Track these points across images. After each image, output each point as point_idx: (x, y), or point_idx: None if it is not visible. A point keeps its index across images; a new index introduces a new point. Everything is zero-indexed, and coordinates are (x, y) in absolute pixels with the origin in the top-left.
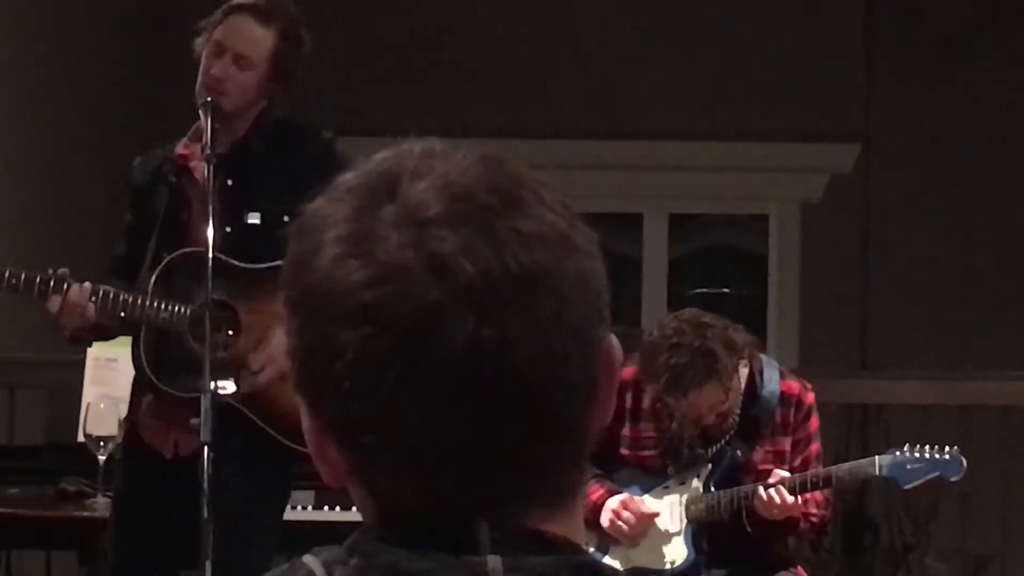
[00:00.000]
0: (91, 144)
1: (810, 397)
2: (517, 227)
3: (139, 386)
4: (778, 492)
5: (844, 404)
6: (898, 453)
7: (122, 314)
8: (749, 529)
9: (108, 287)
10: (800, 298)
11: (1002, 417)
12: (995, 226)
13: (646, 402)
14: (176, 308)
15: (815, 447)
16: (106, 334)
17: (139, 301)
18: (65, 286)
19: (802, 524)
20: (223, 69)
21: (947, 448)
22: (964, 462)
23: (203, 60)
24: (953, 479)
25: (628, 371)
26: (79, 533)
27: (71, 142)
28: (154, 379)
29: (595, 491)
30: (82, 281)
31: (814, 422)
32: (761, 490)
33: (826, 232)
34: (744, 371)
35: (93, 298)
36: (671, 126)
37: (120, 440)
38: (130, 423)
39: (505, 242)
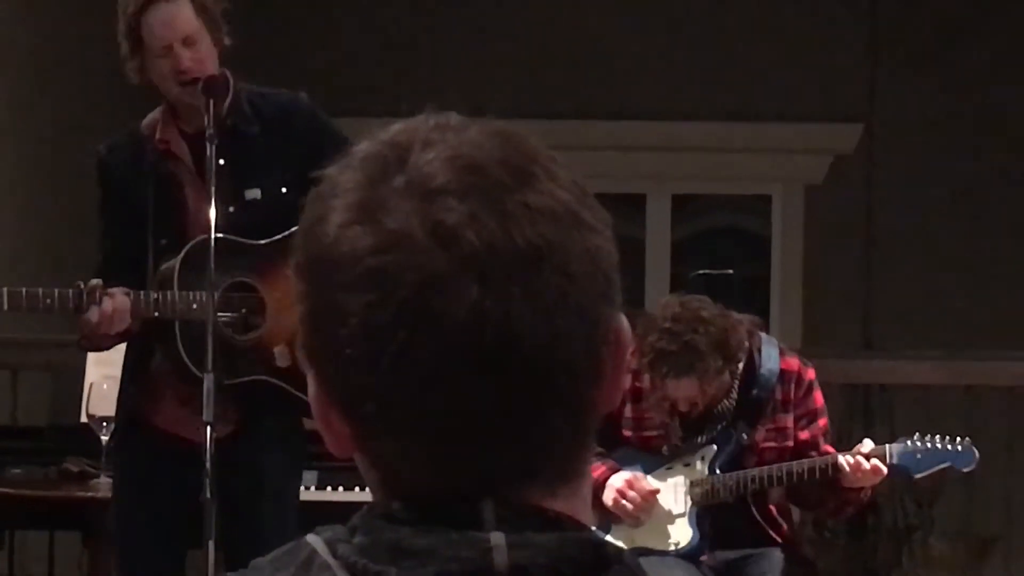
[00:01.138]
0: (91, 141)
1: (810, 373)
2: (526, 201)
3: (146, 370)
4: (864, 460)
5: (847, 384)
6: (908, 443)
7: (156, 313)
8: (755, 512)
9: (137, 290)
10: (803, 279)
11: (1007, 397)
12: (998, 206)
13: (647, 383)
14: (203, 297)
15: (823, 422)
16: (126, 338)
17: (168, 297)
18: (99, 295)
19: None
20: (186, 58)
21: (959, 438)
22: (976, 453)
23: (157, 68)
24: (965, 470)
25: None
26: (82, 513)
27: (71, 140)
28: (196, 371)
29: (596, 468)
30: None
31: (818, 398)
32: (848, 457)
33: (829, 212)
34: (744, 356)
35: (129, 302)
36: (674, 107)
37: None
38: (133, 407)
39: (512, 215)
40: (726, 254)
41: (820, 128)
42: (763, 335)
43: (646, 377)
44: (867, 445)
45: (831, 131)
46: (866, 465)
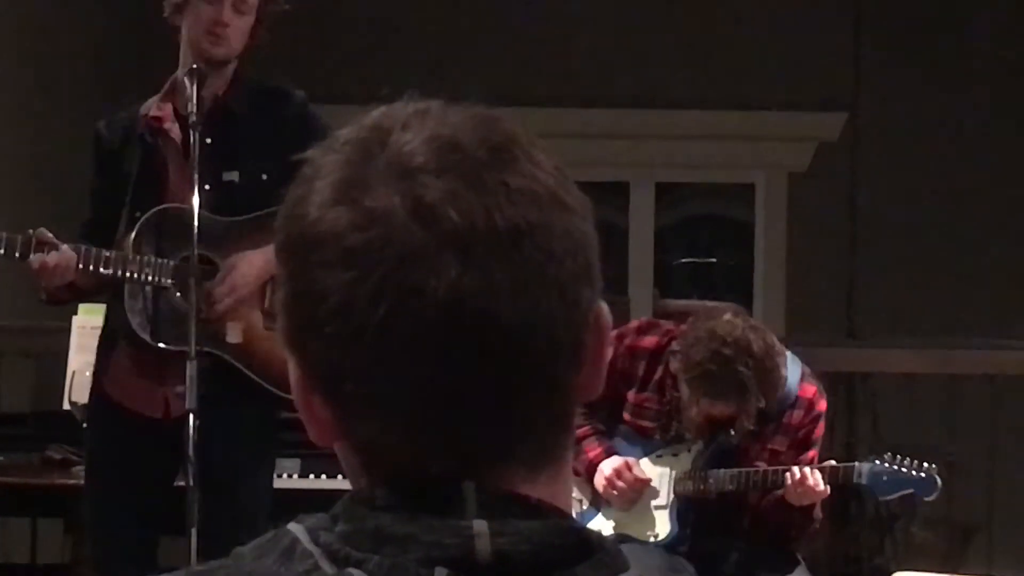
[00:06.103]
0: (74, 113)
1: (822, 404)
2: (505, 181)
3: (112, 346)
4: (810, 474)
5: (830, 373)
6: (878, 463)
7: (105, 270)
8: (741, 512)
9: (89, 245)
10: (786, 267)
11: (989, 386)
12: (981, 194)
13: (658, 374)
14: (158, 262)
15: (812, 453)
16: (82, 296)
17: (121, 257)
18: (46, 247)
19: (813, 520)
20: (228, 15)
21: (925, 464)
22: (939, 482)
23: (197, 13)
24: (927, 499)
25: (648, 341)
26: (64, 500)
27: (54, 110)
28: (143, 336)
29: (593, 448)
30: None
31: (819, 429)
32: (794, 469)
33: (813, 201)
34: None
35: (76, 256)
36: (658, 95)
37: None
38: (98, 384)
39: (492, 194)
40: (709, 242)
41: (804, 116)
42: (789, 353)
43: (660, 370)
44: (830, 464)
45: (815, 119)
46: (810, 480)
